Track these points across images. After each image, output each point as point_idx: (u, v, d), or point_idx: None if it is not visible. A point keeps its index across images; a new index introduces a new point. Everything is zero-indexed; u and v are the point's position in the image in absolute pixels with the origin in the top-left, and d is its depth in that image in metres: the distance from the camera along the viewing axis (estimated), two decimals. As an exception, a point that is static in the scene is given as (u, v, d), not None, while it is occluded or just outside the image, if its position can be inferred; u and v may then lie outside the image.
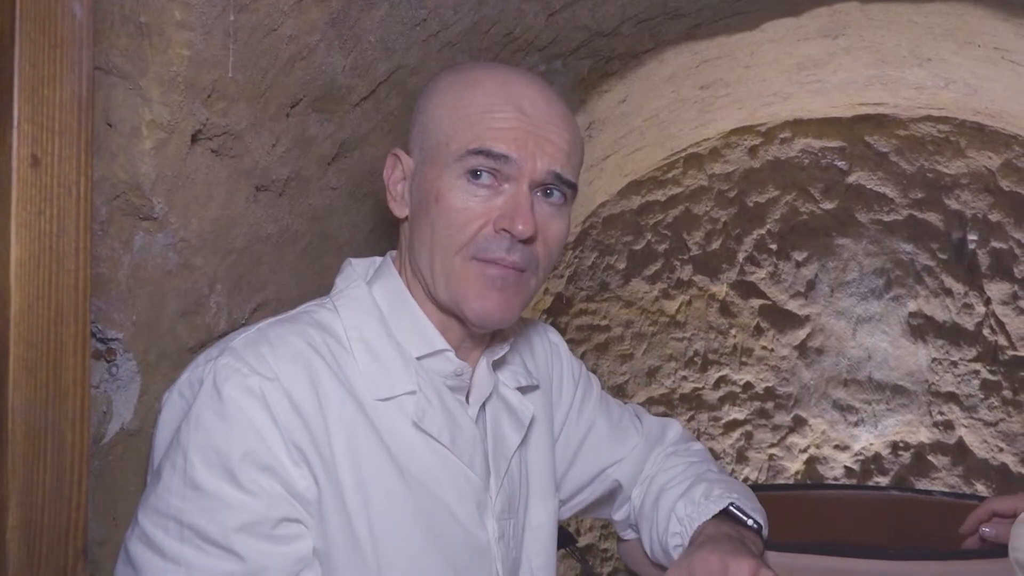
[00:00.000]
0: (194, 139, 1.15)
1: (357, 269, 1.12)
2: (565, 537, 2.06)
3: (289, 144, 1.31)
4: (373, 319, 1.06)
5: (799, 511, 1.73)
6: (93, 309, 1.11)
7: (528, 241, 1.03)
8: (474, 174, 1.01)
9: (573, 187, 1.06)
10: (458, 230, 1.02)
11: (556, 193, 1.05)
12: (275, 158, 1.29)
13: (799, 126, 2.70)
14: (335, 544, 0.97)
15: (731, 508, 1.17)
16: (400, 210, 1.08)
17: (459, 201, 1.01)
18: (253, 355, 0.98)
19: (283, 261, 1.39)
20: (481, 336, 1.11)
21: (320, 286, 1.31)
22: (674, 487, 1.24)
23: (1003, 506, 1.29)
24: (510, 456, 1.12)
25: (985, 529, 1.29)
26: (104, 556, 1.13)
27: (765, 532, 1.19)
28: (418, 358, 1.06)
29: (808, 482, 2.72)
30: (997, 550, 1.24)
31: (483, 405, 1.11)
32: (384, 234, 1.64)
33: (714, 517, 1.16)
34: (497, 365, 1.14)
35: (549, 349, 1.29)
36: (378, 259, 1.13)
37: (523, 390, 1.17)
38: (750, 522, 1.16)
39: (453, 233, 1.02)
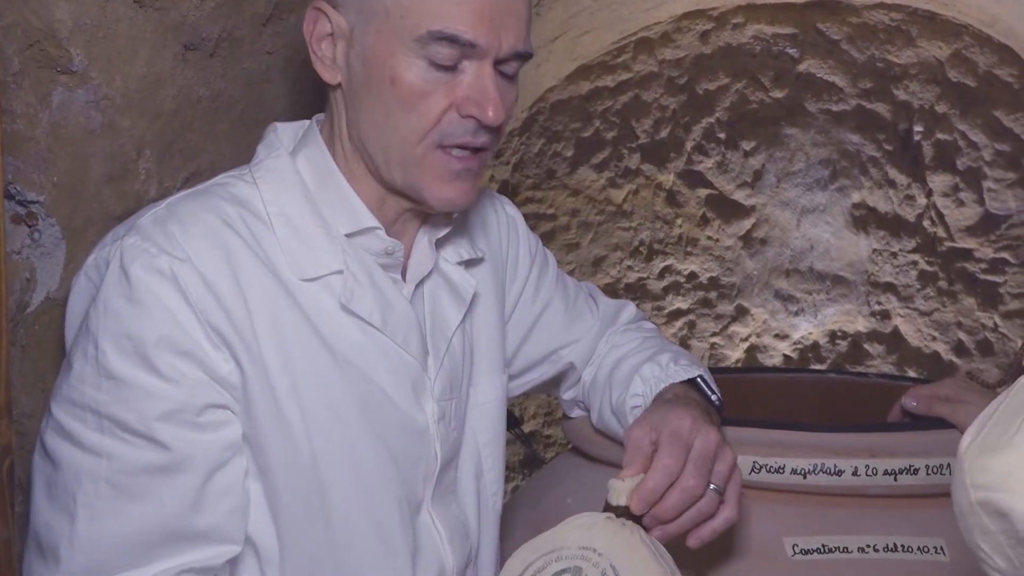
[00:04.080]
0: (114, -14, 1.06)
1: (282, 136, 1.04)
2: (510, 420, 2.07)
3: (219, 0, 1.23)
4: (295, 193, 0.99)
5: (741, 393, 1.75)
6: (10, 169, 1.04)
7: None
8: (436, 63, 0.94)
9: (530, 56, 1.01)
10: (419, 117, 0.95)
11: (513, 63, 0.99)
12: (204, 14, 1.20)
13: (752, 11, 2.64)
14: (264, 429, 0.94)
15: (699, 380, 1.16)
16: (331, 76, 0.99)
17: (419, 85, 0.94)
18: (162, 234, 0.92)
19: (216, 128, 1.32)
20: (420, 211, 1.06)
21: (257, 156, 1.24)
22: (635, 355, 1.24)
23: (920, 393, 1.33)
24: (450, 335, 1.09)
25: (907, 400, 1.32)
26: (34, 428, 1.09)
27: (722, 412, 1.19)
28: (346, 235, 1.00)
29: (751, 366, 2.77)
30: (926, 423, 1.27)
31: (421, 283, 1.08)
32: (324, 107, 1.57)
33: (680, 383, 1.15)
34: (438, 241, 1.10)
35: (506, 222, 1.24)
36: (306, 123, 1.07)
37: (466, 264, 1.13)
38: (713, 398, 1.16)
39: (414, 120, 0.95)
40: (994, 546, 0.67)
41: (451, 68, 0.95)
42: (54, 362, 1.13)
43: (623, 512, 0.95)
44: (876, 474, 1.15)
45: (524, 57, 0.99)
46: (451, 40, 0.93)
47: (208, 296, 0.91)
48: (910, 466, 1.16)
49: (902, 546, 1.13)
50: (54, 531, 0.90)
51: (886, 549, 1.13)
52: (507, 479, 1.66)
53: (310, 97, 1.53)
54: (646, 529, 0.95)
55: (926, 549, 1.13)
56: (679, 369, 1.15)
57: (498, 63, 0.97)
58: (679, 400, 1.08)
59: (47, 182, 1.06)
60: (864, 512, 1.16)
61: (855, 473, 1.15)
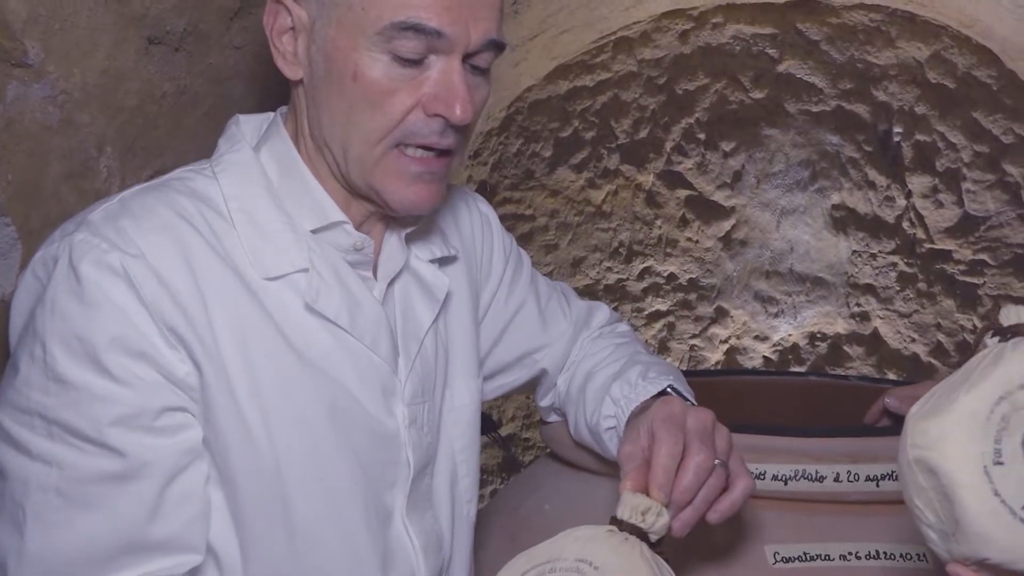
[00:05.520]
0: (71, -24, 1.03)
1: (244, 130, 1.00)
2: (487, 424, 2.04)
3: (184, -8, 1.19)
4: (258, 187, 0.95)
5: (721, 396, 1.73)
6: (-39, 166, 1.00)
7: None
8: (401, 57, 0.90)
9: (503, 48, 0.97)
10: (383, 115, 0.91)
11: (486, 55, 0.94)
12: (168, 7, 1.17)
13: (731, 11, 2.63)
14: (224, 433, 0.90)
15: (669, 390, 1.13)
16: (292, 71, 0.95)
17: (384, 82, 0.90)
18: (113, 229, 0.87)
19: (182, 125, 1.29)
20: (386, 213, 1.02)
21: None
22: (604, 368, 1.20)
23: (901, 393, 1.31)
24: (422, 335, 1.05)
25: (890, 401, 1.31)
26: (-13, 436, 1.05)
27: None
28: (312, 231, 0.96)
29: (731, 368, 2.76)
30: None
31: (392, 282, 1.04)
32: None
33: (652, 397, 1.12)
34: (409, 237, 1.06)
35: (479, 220, 1.20)
36: (271, 115, 1.03)
37: (440, 262, 1.10)
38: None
39: (377, 117, 0.91)
40: (926, 501, 0.74)
41: (417, 63, 0.91)
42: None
43: (628, 526, 0.91)
44: (858, 480, 1.13)
45: (497, 48, 0.95)
46: (416, 30, 0.88)
47: (163, 294, 0.87)
48: (892, 472, 1.13)
49: (885, 553, 1.11)
50: (2, 545, 0.85)
51: (868, 556, 1.11)
52: (485, 483, 1.63)
53: (280, 93, 1.50)
54: (651, 545, 0.91)
55: (909, 556, 1.11)
56: (647, 384, 1.11)
57: (469, 56, 0.93)
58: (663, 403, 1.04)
59: (1, 180, 1.02)
60: (846, 519, 1.13)
61: (837, 479, 1.13)
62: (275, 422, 0.92)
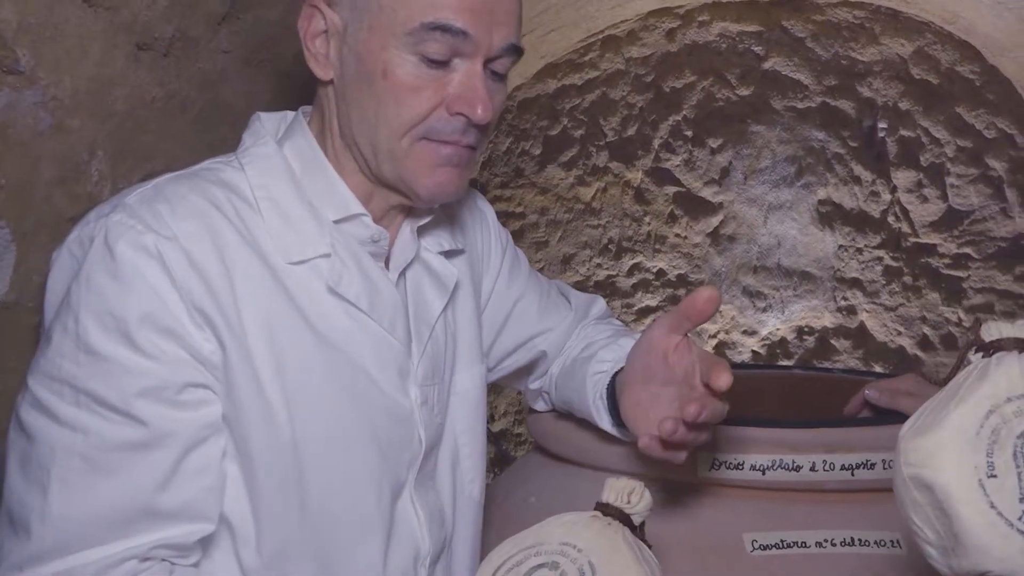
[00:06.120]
0: (61, -15, 1.05)
1: (266, 125, 1.05)
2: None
3: (172, -2, 1.21)
4: (283, 179, 1.00)
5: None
6: (-44, 171, 1.03)
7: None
8: (428, 58, 0.95)
9: (522, 53, 1.02)
10: (408, 110, 0.96)
11: (505, 60, 1.00)
12: (156, 13, 1.19)
13: (717, 9, 2.65)
14: (245, 410, 0.94)
15: None
16: (324, 72, 1.00)
17: (411, 80, 0.95)
18: (149, 212, 0.91)
19: (172, 129, 1.31)
20: (407, 205, 1.07)
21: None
22: (601, 340, 1.27)
23: (881, 386, 1.34)
24: (433, 322, 1.10)
25: (870, 393, 1.33)
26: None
27: None
28: (334, 222, 1.01)
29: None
30: (887, 418, 1.28)
31: (404, 271, 1.08)
32: (285, 106, 1.56)
33: None
34: (420, 230, 1.11)
35: (478, 216, 1.26)
36: (289, 114, 1.07)
37: (447, 254, 1.14)
38: None
39: (404, 113, 0.96)
40: (924, 518, 0.73)
41: (443, 65, 0.96)
42: (3, 367, 1.11)
43: (612, 510, 0.94)
44: (833, 469, 1.16)
45: (516, 53, 1.00)
46: (443, 30, 0.93)
47: (193, 275, 0.91)
48: (867, 461, 1.16)
49: (859, 540, 1.14)
50: (27, 506, 0.89)
51: (844, 543, 1.13)
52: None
53: (268, 97, 1.52)
54: (632, 528, 0.94)
55: (883, 543, 1.14)
56: None
57: (490, 61, 0.98)
58: None
59: (-6, 184, 1.05)
60: (822, 507, 1.16)
61: (813, 468, 1.16)
62: (295, 401, 0.96)
